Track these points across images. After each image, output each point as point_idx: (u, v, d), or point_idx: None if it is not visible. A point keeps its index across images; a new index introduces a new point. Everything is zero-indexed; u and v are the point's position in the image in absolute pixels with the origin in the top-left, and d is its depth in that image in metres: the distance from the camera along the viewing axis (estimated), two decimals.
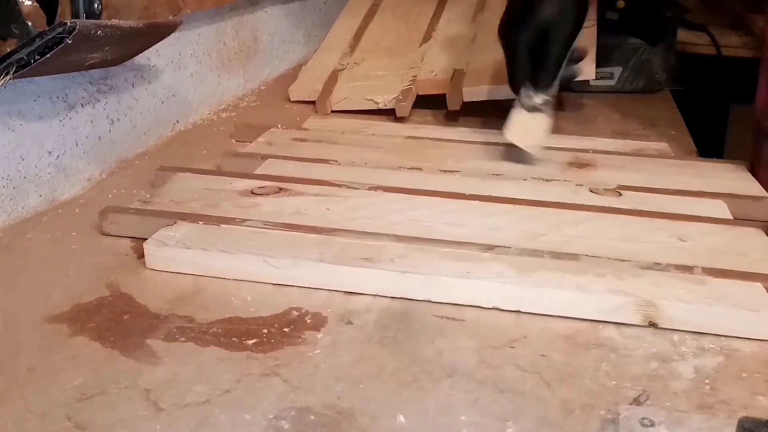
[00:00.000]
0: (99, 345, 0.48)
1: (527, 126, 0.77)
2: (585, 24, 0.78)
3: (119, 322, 0.50)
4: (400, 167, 0.75)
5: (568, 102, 1.06)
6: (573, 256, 0.56)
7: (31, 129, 0.66)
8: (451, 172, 0.74)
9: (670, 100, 1.10)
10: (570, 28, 0.77)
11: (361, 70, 1.06)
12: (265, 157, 0.76)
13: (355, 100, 0.99)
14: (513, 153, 0.77)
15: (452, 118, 0.97)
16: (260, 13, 1.11)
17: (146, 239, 0.58)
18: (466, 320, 0.51)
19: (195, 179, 0.69)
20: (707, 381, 0.45)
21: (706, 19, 1.38)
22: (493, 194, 0.67)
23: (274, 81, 1.16)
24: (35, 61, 0.56)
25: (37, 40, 0.55)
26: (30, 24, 0.58)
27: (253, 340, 0.48)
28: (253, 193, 0.66)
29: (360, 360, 0.47)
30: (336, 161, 0.76)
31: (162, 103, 0.87)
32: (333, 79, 1.03)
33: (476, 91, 0.95)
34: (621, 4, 1.07)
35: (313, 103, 1.00)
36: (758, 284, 0.52)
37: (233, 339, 0.48)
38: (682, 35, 1.26)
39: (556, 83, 0.78)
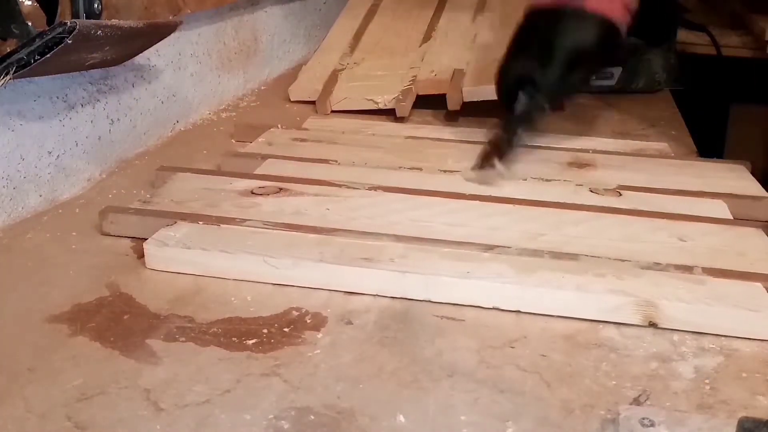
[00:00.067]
0: (99, 345, 0.48)
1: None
2: None
3: (119, 322, 0.50)
4: (400, 167, 0.75)
5: (568, 102, 1.06)
6: (573, 256, 0.56)
7: (31, 129, 0.66)
8: (451, 172, 0.74)
9: (670, 100, 1.10)
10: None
11: (361, 70, 1.06)
12: (265, 157, 0.76)
13: (355, 100, 0.99)
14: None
15: (452, 118, 0.97)
16: (260, 13, 1.11)
17: (146, 239, 0.58)
18: (466, 320, 0.51)
19: (195, 179, 0.69)
20: (707, 381, 0.45)
21: (706, 19, 1.38)
22: (493, 194, 0.67)
23: (274, 81, 1.16)
24: (35, 61, 0.56)
25: (37, 40, 0.55)
26: (30, 24, 0.58)
27: (253, 340, 0.48)
28: (253, 193, 0.66)
29: (360, 360, 0.47)
30: (336, 161, 0.76)
31: (162, 103, 0.87)
32: (333, 79, 1.03)
33: (476, 91, 0.95)
34: None
35: (313, 103, 1.00)
36: (758, 284, 0.52)
37: (233, 339, 0.48)
38: (682, 35, 1.26)
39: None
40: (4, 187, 0.64)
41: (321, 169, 0.74)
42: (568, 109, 1.03)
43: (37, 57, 0.55)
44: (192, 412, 0.41)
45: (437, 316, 0.52)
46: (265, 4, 1.12)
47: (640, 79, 1.12)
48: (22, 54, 0.55)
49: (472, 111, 0.95)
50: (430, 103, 0.98)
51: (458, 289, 0.53)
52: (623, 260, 0.55)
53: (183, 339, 0.48)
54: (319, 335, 0.49)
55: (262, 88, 1.13)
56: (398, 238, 0.58)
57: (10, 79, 0.55)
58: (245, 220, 0.60)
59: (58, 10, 0.61)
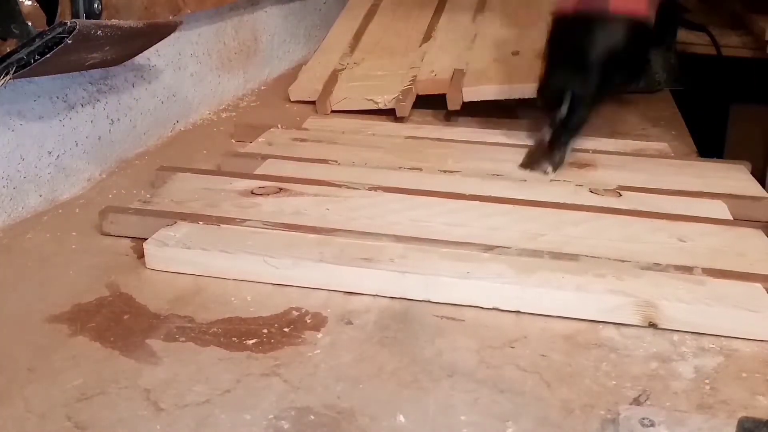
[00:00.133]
0: (99, 345, 0.48)
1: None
2: None
3: (119, 322, 0.50)
4: (400, 167, 0.75)
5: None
6: (573, 257, 0.56)
7: (31, 129, 0.66)
8: (451, 172, 0.74)
9: (670, 100, 1.10)
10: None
11: (361, 70, 1.06)
12: (265, 157, 0.76)
13: (355, 100, 0.99)
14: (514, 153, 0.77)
15: (452, 118, 0.97)
16: (260, 13, 1.11)
17: (146, 239, 0.58)
18: (466, 320, 0.51)
19: (195, 179, 0.69)
20: (707, 381, 0.45)
21: (706, 19, 1.38)
22: (493, 194, 0.67)
23: (274, 81, 1.16)
24: (35, 61, 0.56)
25: (37, 40, 0.55)
26: (30, 24, 0.58)
27: (253, 340, 0.48)
28: (253, 193, 0.66)
29: (360, 360, 0.47)
30: (336, 161, 0.76)
31: (162, 103, 0.87)
32: (333, 79, 1.03)
33: (476, 91, 0.95)
34: None
35: (313, 103, 1.00)
36: (758, 285, 0.52)
37: (233, 339, 0.48)
38: (682, 35, 1.26)
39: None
40: (4, 187, 0.64)
41: (321, 169, 0.74)
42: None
43: (37, 57, 0.55)
44: (192, 412, 0.41)
45: (437, 316, 0.52)
46: (265, 4, 1.12)
47: (640, 79, 1.12)
48: (22, 54, 0.55)
49: (472, 111, 0.95)
50: (430, 103, 0.98)
51: (458, 289, 0.53)
52: (623, 260, 0.55)
53: (183, 339, 0.48)
54: (319, 335, 0.49)
55: (262, 88, 1.13)
56: (398, 238, 0.58)
57: (10, 79, 0.55)
58: (245, 220, 0.60)
59: (58, 10, 0.61)
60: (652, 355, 0.48)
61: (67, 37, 0.55)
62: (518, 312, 0.52)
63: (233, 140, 0.88)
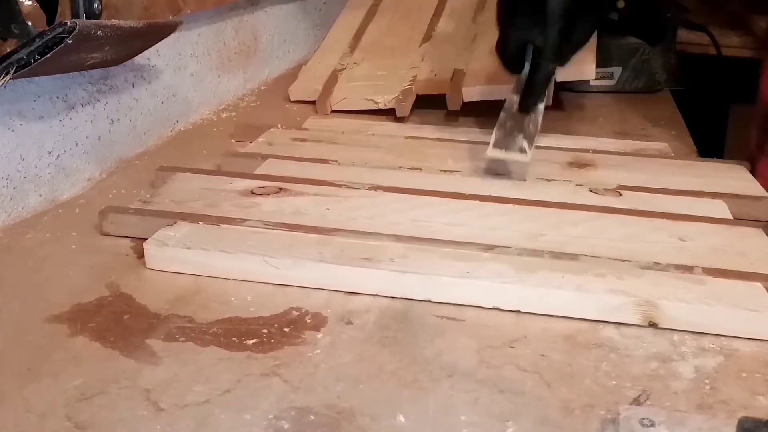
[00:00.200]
0: (99, 345, 0.48)
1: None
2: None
3: (119, 322, 0.50)
4: (400, 167, 0.75)
5: (568, 102, 1.06)
6: (573, 256, 0.56)
7: (31, 129, 0.66)
8: (451, 172, 0.74)
9: (670, 100, 1.10)
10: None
11: (361, 70, 1.06)
12: (265, 157, 0.76)
13: (355, 100, 0.99)
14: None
15: (452, 118, 0.97)
16: (260, 13, 1.11)
17: (146, 239, 0.58)
18: (466, 320, 0.51)
19: (195, 179, 0.69)
20: (707, 381, 0.45)
21: (706, 19, 1.38)
22: (493, 194, 0.67)
23: (274, 81, 1.16)
24: (35, 61, 0.56)
25: (37, 40, 0.55)
26: (30, 24, 0.58)
27: (253, 340, 0.48)
28: (253, 193, 0.66)
29: (360, 360, 0.47)
30: (336, 161, 0.76)
31: (162, 103, 0.87)
32: (333, 79, 1.03)
33: (476, 91, 0.95)
34: (621, 4, 1.07)
35: (313, 103, 1.00)
36: (758, 284, 0.52)
37: (233, 339, 0.48)
38: (682, 35, 1.26)
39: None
40: (4, 187, 0.64)
41: (321, 169, 0.74)
42: (568, 108, 1.03)
43: (37, 57, 0.55)
44: (192, 412, 0.41)
45: (437, 316, 0.52)
46: (265, 4, 1.12)
47: (640, 79, 1.12)
48: (22, 54, 0.55)
49: (472, 111, 0.95)
50: (430, 103, 0.98)
51: (458, 289, 0.53)
52: (623, 260, 0.55)
53: (183, 339, 0.48)
54: (319, 335, 0.49)
55: (262, 88, 1.13)
56: (398, 238, 0.58)
57: (10, 79, 0.55)
58: (245, 220, 0.60)
59: (58, 10, 0.61)
60: (652, 355, 0.48)
61: (67, 37, 0.55)
62: (518, 312, 0.52)
63: (233, 140, 0.88)
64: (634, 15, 1.09)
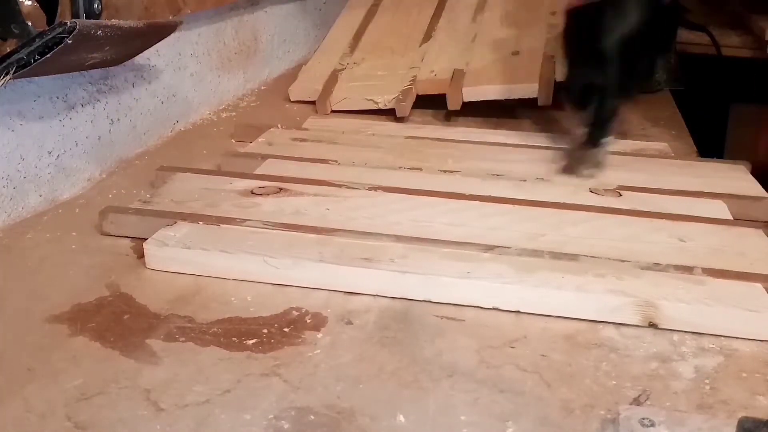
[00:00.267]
0: (99, 345, 0.48)
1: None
2: None
3: (119, 322, 0.50)
4: (400, 167, 0.75)
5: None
6: (573, 257, 0.56)
7: (31, 129, 0.66)
8: (451, 172, 0.74)
9: (670, 100, 1.10)
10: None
11: (361, 70, 1.06)
12: (265, 157, 0.76)
13: (355, 100, 0.99)
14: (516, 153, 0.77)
15: (452, 118, 0.97)
16: (260, 13, 1.11)
17: (146, 239, 0.58)
18: (466, 320, 0.51)
19: (195, 179, 0.69)
20: (707, 381, 0.45)
21: (706, 19, 1.38)
22: (493, 194, 0.67)
23: (274, 81, 1.16)
24: (35, 61, 0.56)
25: (37, 40, 0.55)
26: (30, 24, 0.58)
27: (253, 340, 0.48)
28: (253, 193, 0.66)
29: (360, 360, 0.47)
30: (336, 161, 0.76)
31: (162, 103, 0.87)
32: (333, 79, 1.03)
33: (476, 91, 0.95)
34: None
35: (313, 103, 1.00)
36: (758, 284, 0.52)
37: (233, 339, 0.48)
38: (682, 35, 1.26)
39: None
40: (4, 187, 0.64)
41: (321, 169, 0.74)
42: (568, 108, 1.03)
43: (37, 57, 0.55)
44: (192, 412, 0.41)
45: (437, 316, 0.52)
46: (265, 4, 1.12)
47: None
48: (22, 54, 0.55)
49: (472, 111, 0.95)
50: (430, 103, 0.98)
51: (458, 289, 0.53)
52: (623, 260, 0.55)
53: (183, 339, 0.48)
54: (319, 335, 0.49)
55: (262, 88, 1.13)
56: (398, 238, 0.58)
57: (10, 79, 0.55)
58: (245, 220, 0.60)
59: (58, 10, 0.61)
60: (652, 355, 0.48)
61: (67, 37, 0.55)
62: (518, 312, 0.52)
63: (233, 140, 0.88)
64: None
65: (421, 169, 0.75)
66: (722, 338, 0.49)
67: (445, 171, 0.74)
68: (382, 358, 0.47)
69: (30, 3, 0.60)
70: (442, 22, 1.16)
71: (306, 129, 0.90)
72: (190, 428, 0.40)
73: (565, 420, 0.42)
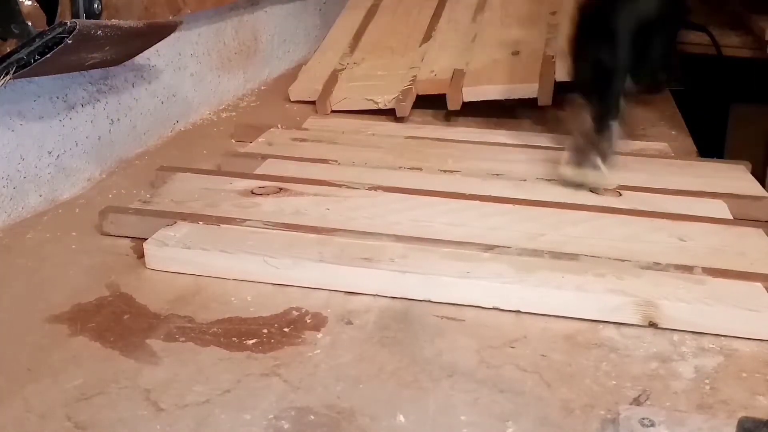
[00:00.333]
0: (99, 345, 0.48)
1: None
2: None
3: (119, 322, 0.50)
4: (400, 167, 0.75)
5: (568, 102, 1.06)
6: (573, 256, 0.56)
7: (31, 129, 0.66)
8: (451, 172, 0.74)
9: (670, 100, 1.10)
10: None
11: (361, 70, 1.06)
12: (265, 157, 0.76)
13: (355, 100, 0.99)
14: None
15: (452, 118, 0.97)
16: (260, 13, 1.11)
17: (146, 239, 0.58)
18: (466, 320, 0.51)
19: (195, 179, 0.69)
20: (707, 381, 0.45)
21: (706, 19, 1.38)
22: (493, 194, 0.67)
23: (274, 81, 1.16)
24: (35, 61, 0.56)
25: (37, 40, 0.55)
26: (30, 24, 0.58)
27: (253, 340, 0.48)
28: (253, 193, 0.66)
29: (360, 360, 0.47)
30: (336, 161, 0.76)
31: (162, 103, 0.87)
32: (333, 79, 1.03)
33: (476, 91, 0.95)
34: None
35: (313, 103, 1.00)
36: (758, 284, 0.52)
37: (233, 339, 0.48)
38: (682, 35, 1.26)
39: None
40: (4, 187, 0.64)
41: (321, 169, 0.74)
42: (569, 108, 1.03)
43: (37, 57, 0.55)
44: (192, 412, 0.41)
45: (437, 316, 0.52)
46: (265, 4, 1.12)
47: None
48: (22, 54, 0.55)
49: (472, 111, 0.95)
50: (430, 103, 0.98)
51: (458, 289, 0.53)
52: (623, 260, 0.55)
53: (183, 339, 0.48)
54: (319, 335, 0.49)
55: (262, 88, 1.13)
56: (398, 238, 0.58)
57: (10, 79, 0.55)
58: (245, 220, 0.60)
59: (58, 10, 0.61)
60: (652, 355, 0.48)
61: (67, 37, 0.55)
62: (518, 312, 0.52)
63: (233, 140, 0.88)
64: None
65: (421, 169, 0.75)
66: (722, 338, 0.49)
67: (445, 171, 0.74)
68: (382, 358, 0.47)
69: (30, 3, 0.60)
70: (442, 22, 1.16)
71: (306, 129, 0.90)
72: (190, 428, 0.40)
73: (565, 420, 0.42)
